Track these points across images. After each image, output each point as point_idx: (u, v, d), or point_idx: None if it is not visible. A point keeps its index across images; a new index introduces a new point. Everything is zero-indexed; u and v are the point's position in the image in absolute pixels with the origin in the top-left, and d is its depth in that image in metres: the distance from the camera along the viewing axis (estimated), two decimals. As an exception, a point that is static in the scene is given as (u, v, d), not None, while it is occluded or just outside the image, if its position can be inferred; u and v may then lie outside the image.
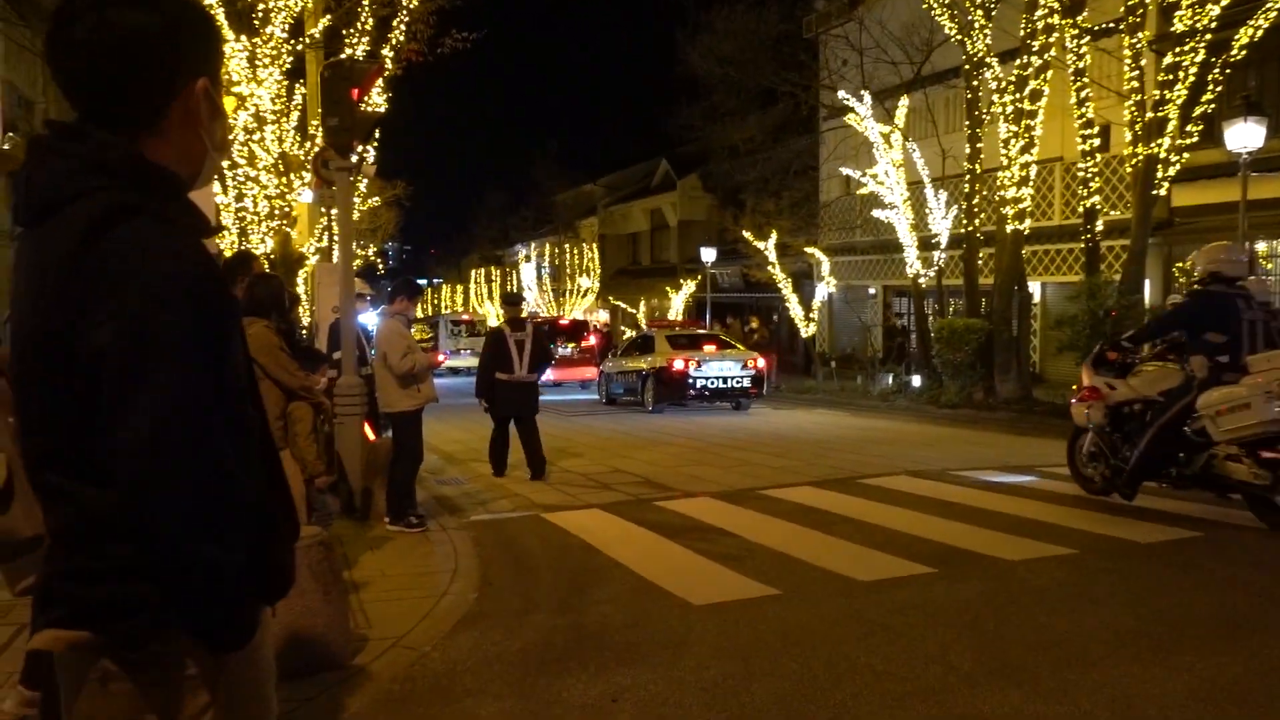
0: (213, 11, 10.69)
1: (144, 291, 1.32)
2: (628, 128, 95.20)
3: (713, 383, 18.04)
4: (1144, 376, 7.98)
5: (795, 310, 24.37)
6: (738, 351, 19.04)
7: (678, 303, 33.70)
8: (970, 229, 18.34)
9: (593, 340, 26.14)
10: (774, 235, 24.45)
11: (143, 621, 1.33)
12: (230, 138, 11.37)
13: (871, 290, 28.24)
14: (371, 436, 8.34)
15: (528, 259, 50.39)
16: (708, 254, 28.78)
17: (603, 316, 45.78)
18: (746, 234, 25.59)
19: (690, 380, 17.90)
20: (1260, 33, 13.59)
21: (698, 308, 31.07)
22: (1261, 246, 18.14)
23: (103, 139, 1.40)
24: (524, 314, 10.87)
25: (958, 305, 20.73)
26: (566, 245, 46.44)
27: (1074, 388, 9.08)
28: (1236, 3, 13.63)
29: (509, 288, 52.11)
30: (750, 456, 11.84)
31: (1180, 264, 19.77)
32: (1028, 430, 14.12)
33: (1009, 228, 16.47)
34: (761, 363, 18.83)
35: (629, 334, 31.62)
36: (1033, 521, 7.46)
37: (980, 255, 18.88)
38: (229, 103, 11.14)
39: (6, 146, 13.78)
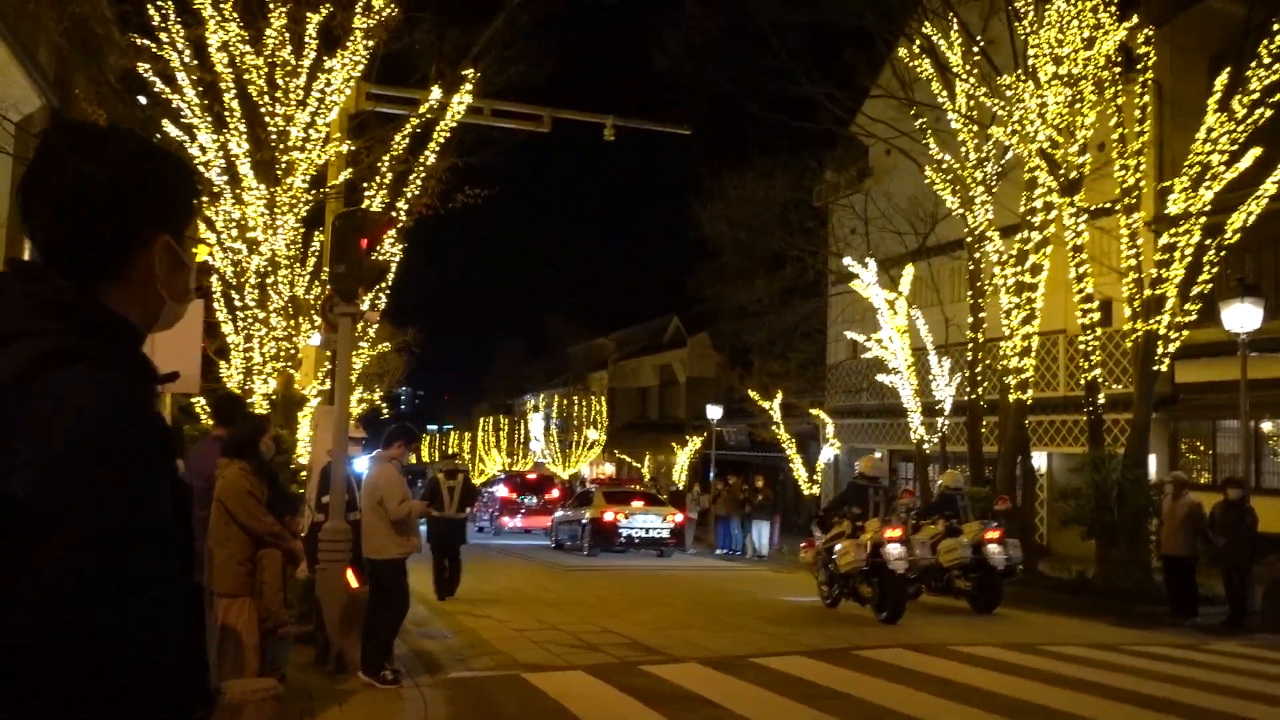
0: (207, 166, 11.14)
1: (66, 442, 1.29)
2: (641, 284, 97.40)
3: (638, 533, 20.96)
4: (831, 531, 12.81)
5: (800, 471, 24.20)
6: (661, 507, 22.03)
7: (683, 458, 33.57)
8: (974, 397, 18.38)
9: (555, 493, 28.35)
10: (779, 395, 24.55)
11: None
12: (245, 281, 11.67)
13: (877, 454, 28.01)
14: (355, 584, 8.15)
15: (536, 409, 50.64)
16: (714, 411, 28.85)
17: (608, 469, 45.57)
18: (753, 393, 25.71)
19: (619, 530, 20.79)
20: (1253, 218, 13.96)
21: (703, 465, 30.96)
22: (1267, 426, 18.09)
23: (58, 284, 1.41)
24: (457, 465, 14.11)
25: (963, 472, 20.55)
26: (576, 397, 46.73)
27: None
28: (1229, 188, 14.05)
29: (517, 437, 52.20)
30: (745, 621, 11.49)
31: (1185, 440, 19.72)
32: (1033, 605, 13.70)
33: (1012, 398, 16.50)
34: (679, 517, 22.05)
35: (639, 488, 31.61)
36: (1035, 706, 7.13)
37: (984, 423, 18.85)
38: (200, 251, 11.45)
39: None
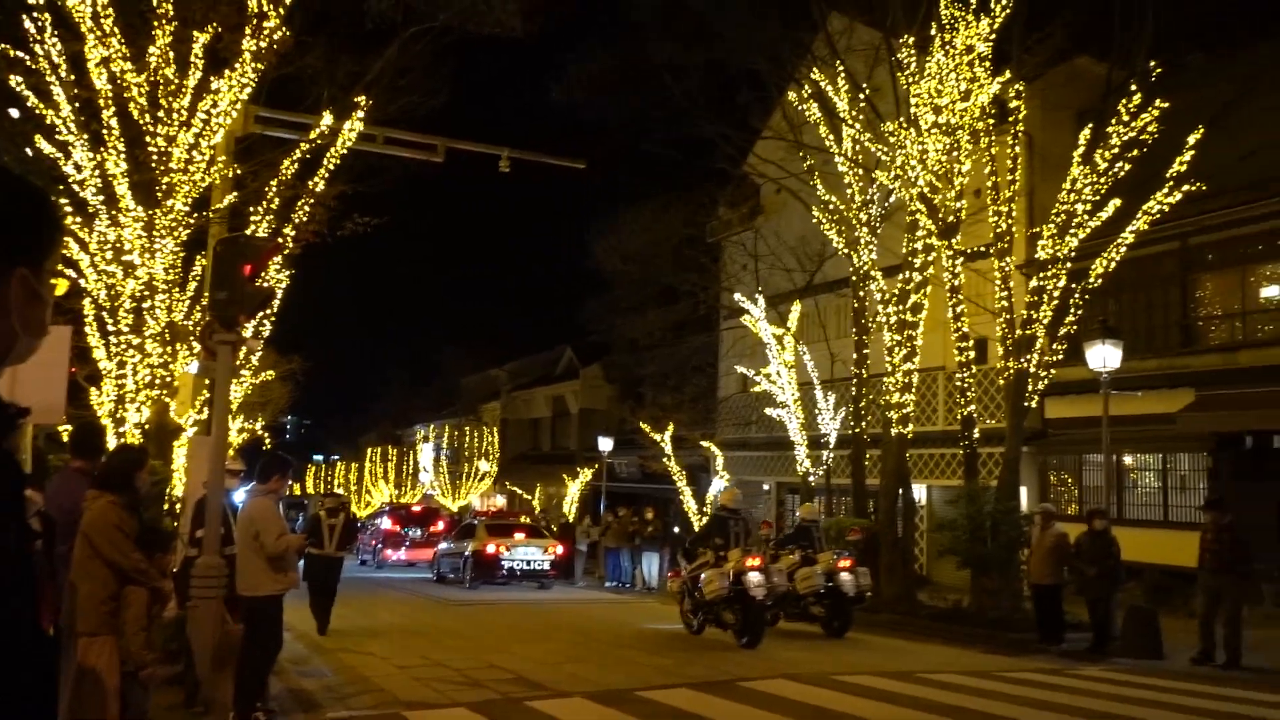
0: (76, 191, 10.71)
1: None
2: (535, 315, 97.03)
3: (519, 565, 21.37)
4: (696, 561, 13.41)
5: (690, 503, 24.41)
6: (542, 539, 22.44)
7: (574, 490, 33.47)
8: (857, 430, 18.92)
9: (440, 526, 28.32)
10: (671, 428, 24.77)
11: None
12: (119, 305, 11.19)
13: (765, 486, 28.57)
14: (230, 622, 7.85)
15: (426, 439, 49.77)
16: (605, 443, 28.88)
17: (499, 501, 45.04)
18: (645, 425, 25.86)
19: (500, 562, 21.19)
20: (1114, 264, 14.84)
21: (594, 496, 30.96)
22: (1128, 460, 19.14)
23: None
24: (341, 503, 14.30)
25: (847, 504, 21.09)
26: (467, 428, 46.13)
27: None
28: (1093, 236, 14.92)
29: (405, 468, 51.16)
30: (631, 654, 11.50)
31: (1054, 473, 20.68)
32: (911, 634, 14.11)
33: (894, 431, 17.04)
34: (560, 549, 22.36)
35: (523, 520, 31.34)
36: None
37: (868, 456, 19.40)
38: (60, 285, 10.95)
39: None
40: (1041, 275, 15.06)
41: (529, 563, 21.53)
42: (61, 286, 11.00)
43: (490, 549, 21.37)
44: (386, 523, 30.03)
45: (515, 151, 15.83)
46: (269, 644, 7.43)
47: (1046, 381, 15.34)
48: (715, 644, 12.54)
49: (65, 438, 11.75)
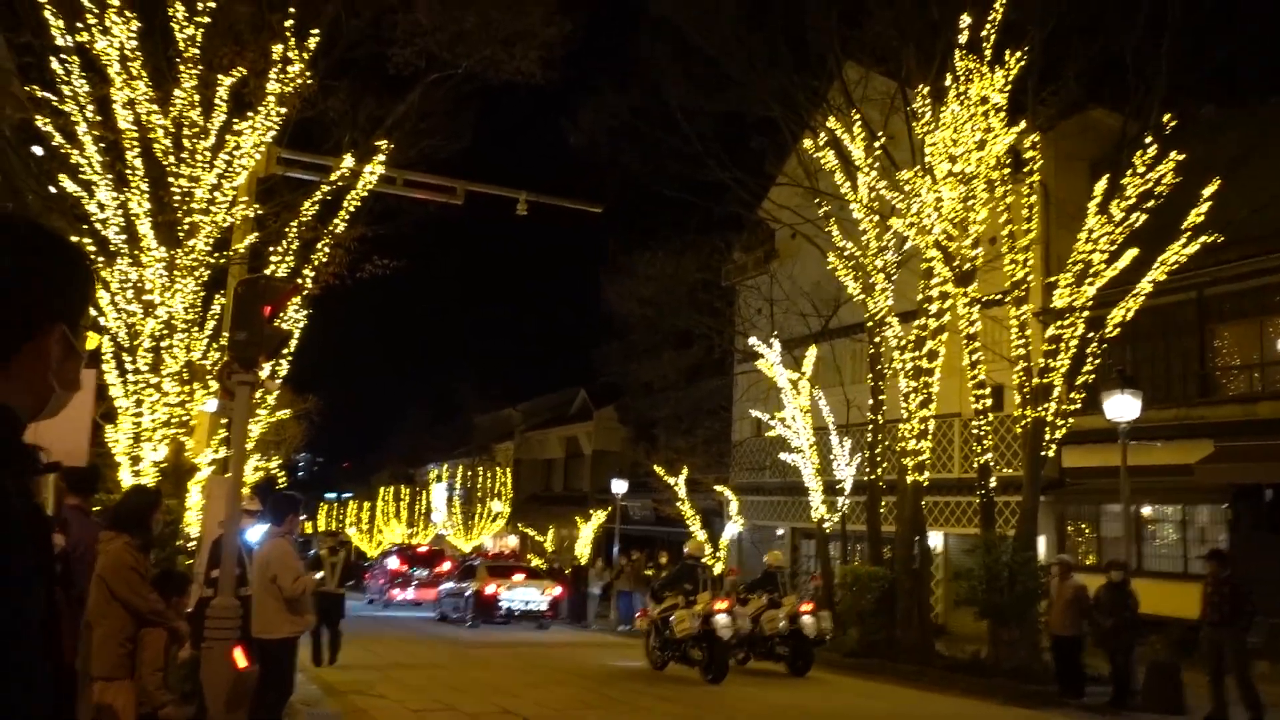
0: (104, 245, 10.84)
1: None
2: (549, 357, 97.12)
3: (518, 605, 22.05)
4: (664, 603, 14.21)
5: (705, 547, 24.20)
6: (540, 580, 23.30)
7: (587, 532, 33.29)
8: (873, 477, 18.79)
9: (446, 566, 28.93)
10: (685, 471, 24.66)
11: None
12: (138, 344, 11.27)
13: (780, 531, 28.35)
14: (244, 664, 7.79)
15: (439, 479, 49.68)
16: (619, 485, 28.77)
17: (512, 542, 44.82)
18: (658, 468, 25.76)
19: (499, 602, 21.88)
20: (1131, 313, 14.79)
21: (607, 539, 30.80)
22: (1147, 510, 18.92)
23: None
24: (340, 541, 15.62)
25: (862, 551, 20.89)
26: (480, 468, 46.03)
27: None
28: (1110, 285, 14.88)
29: (418, 507, 51.00)
30: (646, 703, 11.35)
31: (1072, 523, 20.45)
32: (928, 685, 13.89)
33: (909, 478, 16.92)
34: (558, 590, 23.05)
35: (535, 562, 31.34)
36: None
37: (883, 503, 19.25)
38: (92, 340, 11.09)
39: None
40: (1059, 324, 15.02)
41: (527, 603, 22.26)
42: (93, 341, 11.10)
43: (490, 589, 22.06)
44: (394, 562, 30.62)
45: (533, 195, 15.98)
46: (282, 686, 7.37)
47: (1064, 430, 15.23)
48: (730, 692, 12.38)
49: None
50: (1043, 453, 15.32)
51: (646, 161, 19.64)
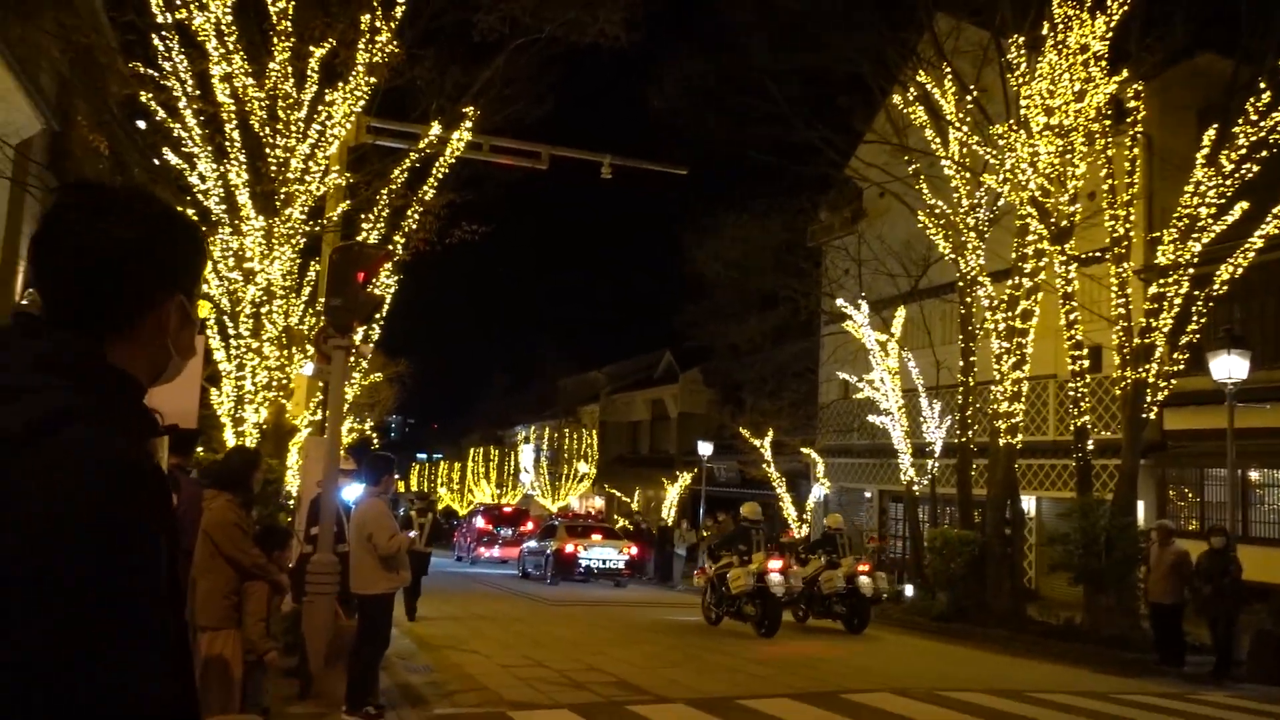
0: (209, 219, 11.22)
1: (65, 505, 1.28)
2: (634, 319, 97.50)
3: (596, 563, 22.85)
4: (720, 562, 15.04)
5: (789, 510, 24.17)
6: (617, 541, 24.03)
7: (673, 494, 33.51)
8: (963, 440, 18.44)
9: (529, 526, 29.61)
10: (770, 433, 24.58)
11: None
12: (239, 310, 11.70)
13: (867, 494, 28.10)
14: (343, 618, 8.11)
15: (527, 440, 50.50)
16: (705, 448, 28.83)
17: (598, 503, 45.41)
18: (744, 430, 25.72)
19: (578, 561, 22.64)
20: (1240, 270, 14.12)
21: (692, 500, 30.98)
22: (1254, 475, 18.17)
23: (61, 338, 1.41)
24: (429, 503, 16.00)
25: (951, 514, 20.58)
26: (567, 430, 46.62)
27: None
28: (1217, 240, 14.23)
29: (507, 468, 52.03)
30: (730, 661, 11.45)
31: (1173, 487, 19.78)
32: (1019, 651, 13.69)
33: (1002, 441, 16.56)
34: (635, 550, 23.91)
35: (621, 523, 31.74)
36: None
37: (974, 466, 18.89)
38: (202, 307, 11.53)
39: (25, 302, 14.17)
40: (1162, 281, 14.44)
41: (605, 562, 23.06)
42: (204, 309, 11.57)
43: (569, 548, 22.85)
44: (480, 522, 31.83)
45: (617, 158, 15.96)
46: (379, 640, 7.64)
47: (1166, 392, 14.69)
48: (811, 655, 12.40)
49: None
50: (1143, 415, 14.82)
51: (730, 124, 19.41)
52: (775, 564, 14.16)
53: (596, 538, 23.76)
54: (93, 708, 1.23)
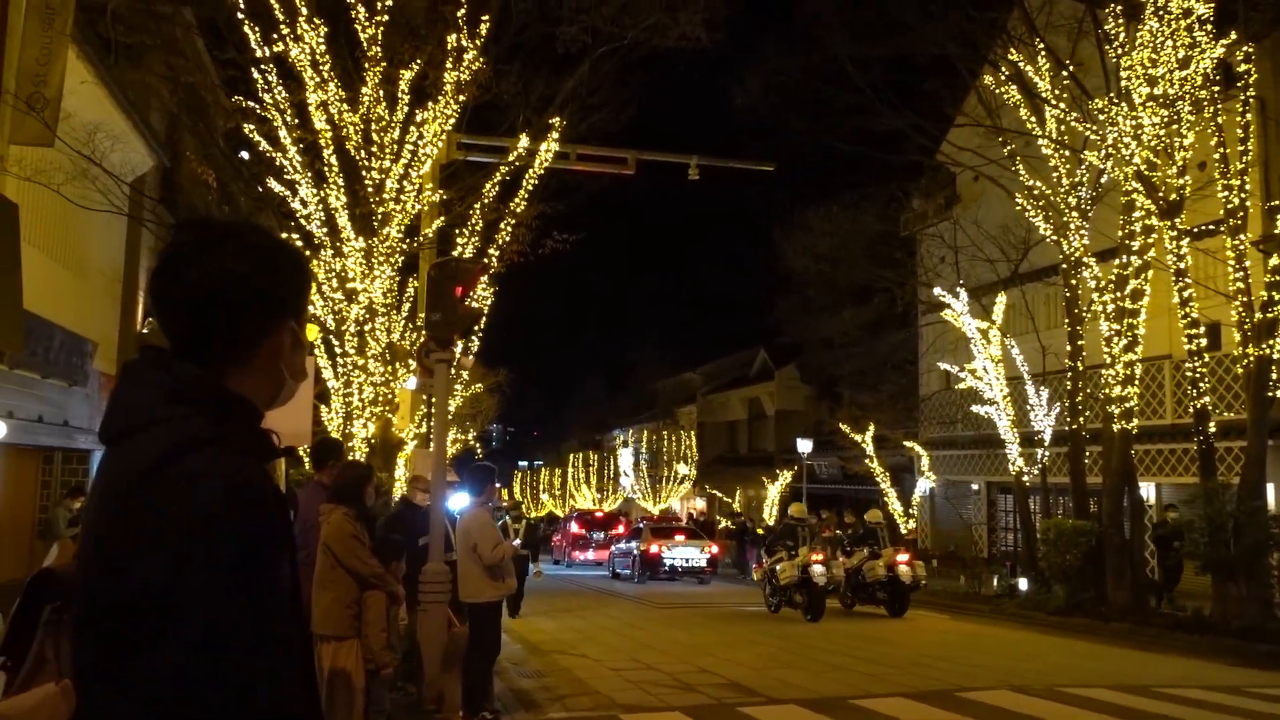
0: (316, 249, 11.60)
1: (198, 528, 1.37)
2: (726, 318, 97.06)
3: (679, 562, 24.39)
4: (774, 557, 16.76)
5: (894, 504, 23.76)
6: (700, 540, 25.52)
7: (773, 493, 33.27)
8: (1075, 427, 17.83)
9: (621, 529, 31.01)
10: (871, 428, 24.19)
11: None
12: (344, 329, 12.08)
13: (975, 486, 27.39)
14: (456, 625, 8.28)
15: (625, 444, 50.78)
16: (804, 445, 28.55)
17: (700, 504, 45.37)
18: (844, 426, 25.37)
19: (662, 560, 24.20)
20: (1371, 236, 13.32)
21: (794, 498, 30.75)
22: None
23: (185, 371, 1.50)
24: (521, 512, 16.87)
25: (1064, 504, 19.92)
26: (665, 432, 46.72)
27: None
28: (1344, 206, 13.45)
29: (607, 473, 52.43)
30: (842, 660, 11.31)
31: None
32: (1145, 644, 13.16)
33: (1116, 427, 15.95)
34: (715, 549, 25.47)
35: (723, 524, 31.76)
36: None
37: (1087, 454, 18.24)
38: (311, 331, 11.92)
39: (145, 330, 14.91)
40: (1283, 252, 13.71)
41: (687, 560, 24.47)
42: (313, 333, 11.99)
43: (654, 549, 24.36)
44: (574, 527, 33.20)
45: (704, 159, 15.95)
46: (489, 646, 7.78)
47: (1294, 368, 13.94)
48: (926, 652, 12.15)
49: (301, 452, 12.80)
50: (1270, 394, 14.08)
51: (816, 117, 19.14)
52: (817, 557, 15.67)
53: (679, 539, 25.16)
54: (229, 711, 1.31)
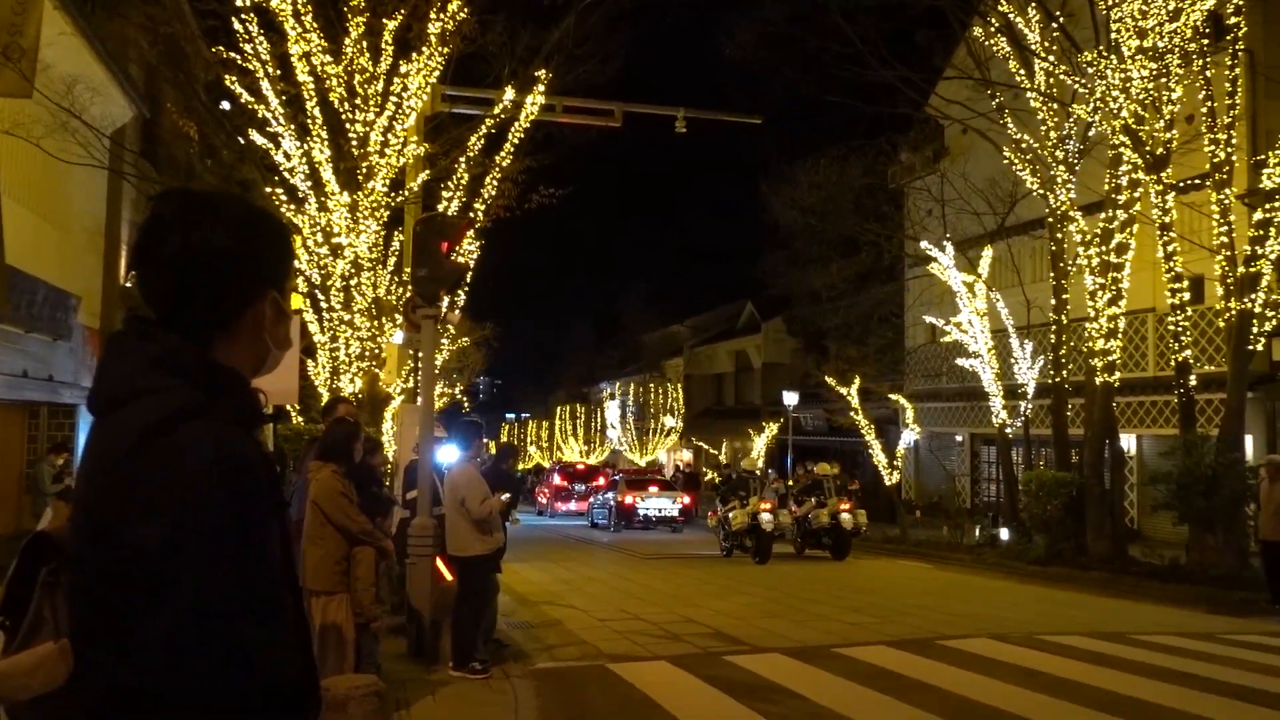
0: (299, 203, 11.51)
1: (190, 495, 1.40)
2: (713, 270, 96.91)
3: (653, 512, 25.68)
4: (727, 505, 18.57)
5: (879, 456, 23.97)
6: (672, 491, 26.94)
7: (760, 445, 33.51)
8: (1058, 379, 17.99)
9: (602, 481, 31.69)
10: (857, 380, 24.33)
11: None
12: (330, 284, 12.04)
13: (959, 438, 27.66)
14: (447, 576, 8.37)
15: (612, 397, 50.94)
16: (790, 397, 28.70)
17: (686, 456, 45.69)
18: (830, 378, 25.50)
19: (637, 510, 25.54)
20: (1355, 190, 13.37)
21: (780, 450, 30.96)
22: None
23: (172, 341, 1.52)
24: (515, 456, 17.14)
25: (1047, 456, 20.16)
26: (652, 385, 46.86)
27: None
28: (1329, 159, 13.48)
29: (594, 425, 52.66)
30: (825, 610, 11.51)
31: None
32: (1122, 592, 13.43)
33: (1099, 379, 16.10)
34: (687, 500, 26.71)
35: (709, 475, 32.11)
36: (1128, 699, 7.03)
37: (1070, 406, 18.44)
38: (295, 300, 11.89)
39: (129, 284, 14.83)
40: (1268, 206, 13.76)
41: (660, 510, 25.79)
42: (296, 301, 11.93)
43: (628, 500, 25.67)
44: (556, 479, 34.16)
45: (691, 111, 15.82)
46: (479, 599, 7.88)
47: (1275, 322, 14.08)
48: (909, 601, 12.38)
49: (288, 407, 12.77)
50: (1250, 347, 14.24)
51: (806, 69, 18.94)
52: (765, 506, 17.19)
53: (653, 490, 26.45)
54: (224, 674, 1.35)
